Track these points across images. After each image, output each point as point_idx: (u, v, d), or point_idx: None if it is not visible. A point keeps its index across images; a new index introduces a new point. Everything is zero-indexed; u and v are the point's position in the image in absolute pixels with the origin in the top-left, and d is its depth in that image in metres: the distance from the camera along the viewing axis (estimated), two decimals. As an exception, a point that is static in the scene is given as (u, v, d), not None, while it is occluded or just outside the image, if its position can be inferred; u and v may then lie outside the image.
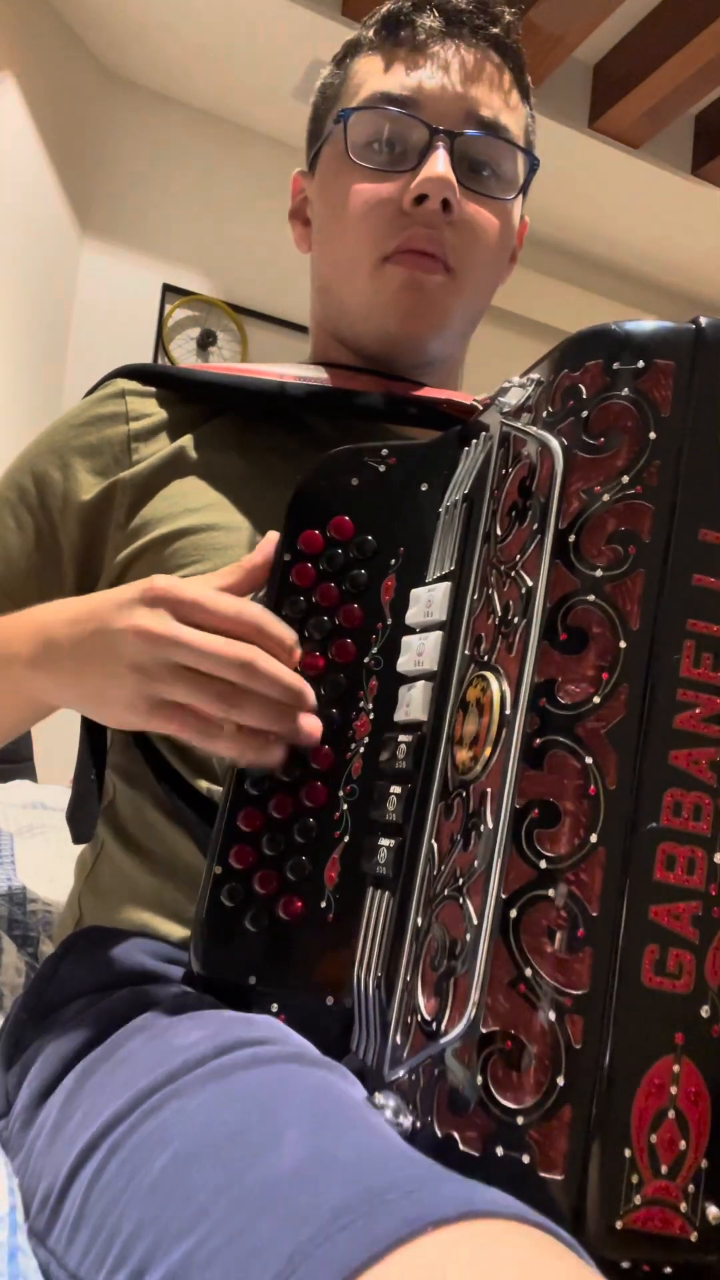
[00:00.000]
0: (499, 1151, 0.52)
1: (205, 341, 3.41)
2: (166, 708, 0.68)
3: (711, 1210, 0.51)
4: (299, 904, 0.70)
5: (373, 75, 0.95)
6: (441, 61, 0.93)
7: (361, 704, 0.73)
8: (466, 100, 0.93)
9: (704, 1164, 0.51)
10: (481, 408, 0.73)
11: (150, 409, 0.96)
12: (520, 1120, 0.51)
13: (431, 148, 0.91)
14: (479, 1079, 0.53)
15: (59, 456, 0.96)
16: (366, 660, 0.74)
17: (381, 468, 0.77)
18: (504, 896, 0.54)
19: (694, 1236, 0.50)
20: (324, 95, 1.03)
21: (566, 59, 3.02)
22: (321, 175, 1.01)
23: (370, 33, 0.98)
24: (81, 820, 0.93)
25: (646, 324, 0.59)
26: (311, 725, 0.69)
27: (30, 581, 0.95)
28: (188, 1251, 0.48)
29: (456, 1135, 0.53)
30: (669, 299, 4.10)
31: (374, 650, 0.74)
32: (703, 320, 0.59)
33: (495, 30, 0.95)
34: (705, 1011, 0.52)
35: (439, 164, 0.90)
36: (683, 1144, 0.51)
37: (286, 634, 0.69)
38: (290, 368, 0.99)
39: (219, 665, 0.66)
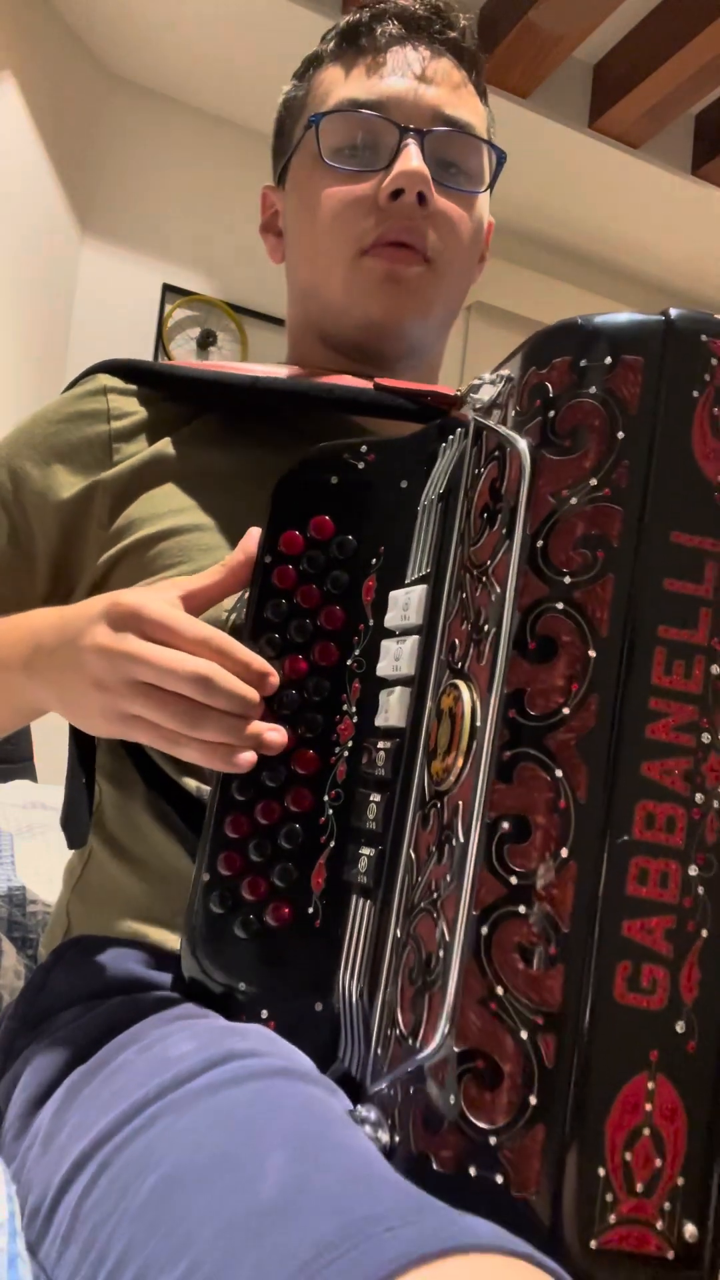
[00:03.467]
0: (472, 1171, 0.51)
1: (205, 341, 3.40)
2: (133, 720, 0.69)
3: (689, 1228, 0.50)
4: (287, 910, 0.70)
5: (338, 83, 0.97)
6: (403, 65, 0.95)
7: (345, 707, 0.72)
8: (431, 100, 0.94)
9: (681, 1181, 0.50)
10: (461, 400, 0.72)
11: (132, 407, 0.95)
12: (493, 1140, 0.51)
13: (403, 145, 0.92)
14: (452, 1098, 0.52)
15: (37, 453, 0.95)
16: (349, 663, 0.73)
17: (361, 465, 0.76)
18: (475, 913, 0.53)
19: (671, 1255, 0.50)
20: (288, 108, 1.04)
21: (566, 59, 3.01)
22: (294, 183, 1.02)
23: (331, 45, 1.00)
24: (75, 826, 0.93)
25: (615, 317, 0.57)
26: (275, 738, 0.69)
27: (5, 580, 0.95)
28: None
29: (431, 1154, 0.53)
30: (669, 299, 4.09)
31: (356, 652, 0.73)
32: (673, 312, 0.57)
33: (453, 35, 0.98)
34: (680, 1027, 0.51)
35: (413, 159, 0.91)
36: (658, 1162, 0.50)
37: (252, 658, 0.69)
38: (272, 368, 0.98)
39: (177, 681, 0.66)
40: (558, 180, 3.41)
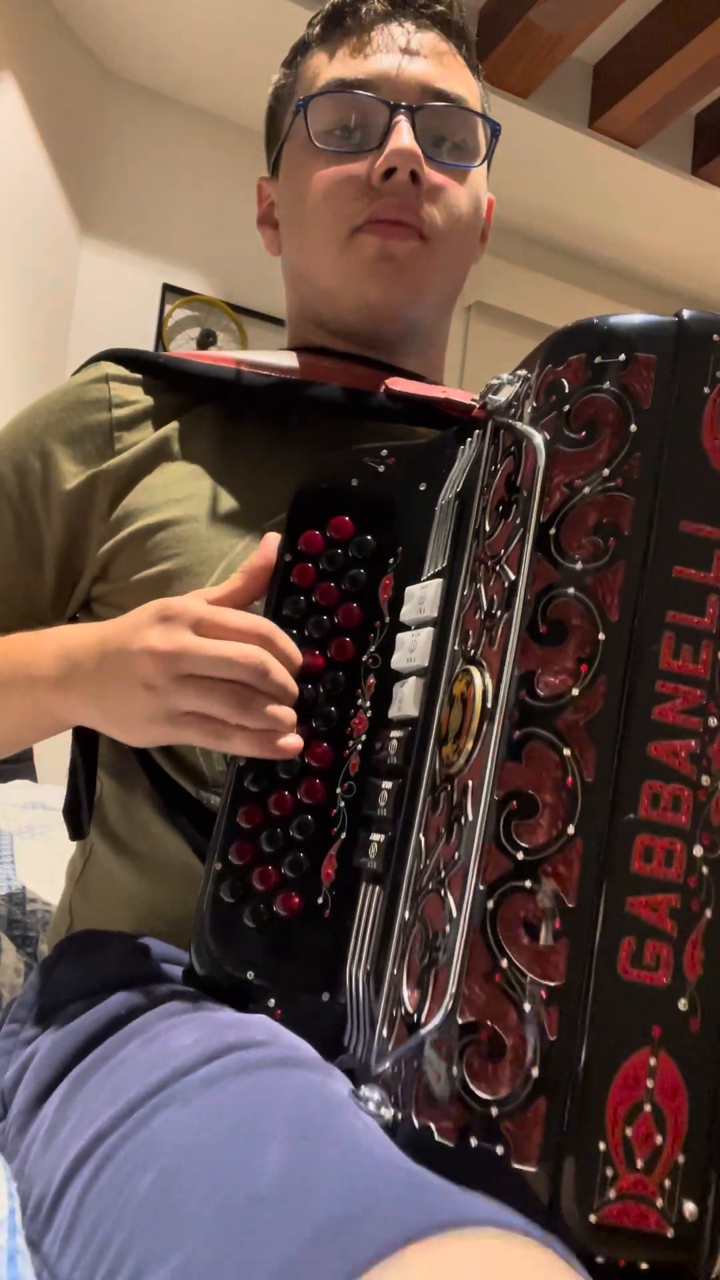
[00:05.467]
0: (473, 1142, 0.51)
1: (205, 341, 3.40)
2: (181, 718, 0.70)
3: (688, 1207, 0.50)
4: (297, 900, 0.70)
5: (325, 66, 0.96)
6: (390, 42, 0.93)
7: (360, 702, 0.74)
8: (420, 76, 0.93)
9: (681, 1159, 0.50)
10: (478, 404, 0.73)
11: (134, 396, 0.95)
12: (495, 1111, 0.51)
13: (393, 123, 0.91)
14: (455, 1070, 0.52)
15: (39, 443, 0.94)
16: (365, 659, 0.74)
17: (381, 468, 0.77)
18: (482, 888, 0.54)
19: (670, 1233, 0.50)
20: (278, 98, 1.03)
21: (566, 59, 3.01)
22: (285, 170, 1.00)
23: (317, 30, 0.99)
24: (78, 816, 0.93)
25: (630, 317, 0.59)
26: (292, 743, 0.70)
27: (11, 574, 0.94)
28: (175, 1269, 0.48)
29: (432, 1125, 0.53)
30: (669, 299, 4.09)
31: (372, 649, 0.74)
32: (685, 313, 0.59)
33: (439, 8, 0.96)
34: (683, 1005, 0.52)
35: (404, 136, 0.90)
36: (659, 1139, 0.50)
37: (293, 648, 0.71)
38: (278, 356, 0.98)
39: (231, 669, 0.67)
40: (558, 180, 3.41)
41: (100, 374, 0.96)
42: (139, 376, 0.96)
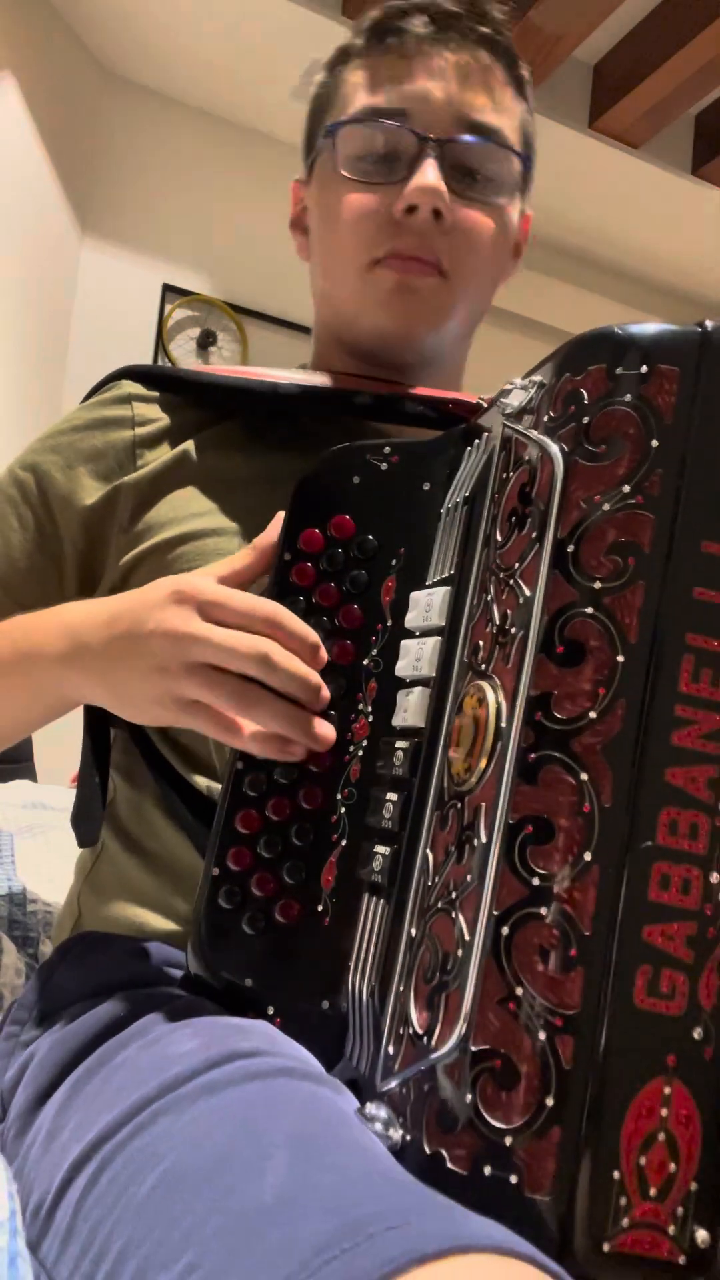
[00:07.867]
0: (486, 1171, 0.51)
1: (205, 341, 3.40)
2: (190, 705, 0.70)
3: (700, 1234, 0.50)
4: (296, 907, 0.70)
5: (361, 86, 0.95)
6: (430, 68, 0.92)
7: (360, 706, 0.72)
8: (457, 105, 0.92)
9: (694, 1187, 0.50)
10: (485, 407, 0.72)
11: (155, 414, 0.96)
12: (508, 1140, 0.50)
13: (421, 157, 0.90)
14: (468, 1097, 0.52)
15: (62, 457, 0.95)
16: (366, 662, 0.73)
17: (384, 466, 0.76)
18: (496, 913, 0.53)
19: (682, 1260, 0.50)
20: (317, 104, 1.02)
21: (566, 59, 3.01)
22: (316, 185, 1.01)
23: (360, 40, 0.97)
24: (86, 824, 0.93)
25: (651, 327, 0.58)
26: (325, 730, 0.70)
27: (31, 579, 0.95)
28: (178, 1275, 0.47)
29: (444, 1153, 0.52)
30: (669, 299, 4.09)
31: (373, 652, 0.73)
32: (709, 324, 0.57)
33: (484, 29, 0.94)
34: (698, 1034, 0.51)
35: (429, 174, 0.89)
36: (672, 1166, 0.50)
37: (303, 629, 0.70)
38: (292, 373, 0.98)
39: (235, 659, 0.67)
40: (558, 180, 3.42)
41: (123, 394, 0.97)
42: (157, 394, 0.97)
